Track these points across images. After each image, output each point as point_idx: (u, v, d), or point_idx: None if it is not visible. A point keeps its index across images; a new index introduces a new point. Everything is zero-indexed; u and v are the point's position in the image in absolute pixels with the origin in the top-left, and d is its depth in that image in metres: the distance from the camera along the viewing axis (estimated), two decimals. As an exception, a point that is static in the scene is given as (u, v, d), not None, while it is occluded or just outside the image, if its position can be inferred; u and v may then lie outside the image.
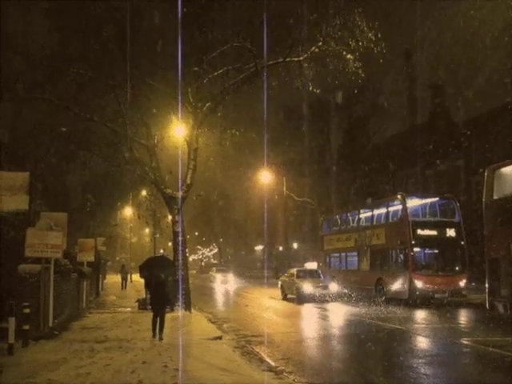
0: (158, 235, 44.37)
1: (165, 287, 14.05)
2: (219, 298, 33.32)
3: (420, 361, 11.17)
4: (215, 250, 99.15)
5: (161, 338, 13.00)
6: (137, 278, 35.53)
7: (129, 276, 41.56)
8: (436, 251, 24.60)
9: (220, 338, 13.40)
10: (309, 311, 22.29)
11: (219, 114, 20.63)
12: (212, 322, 17.20)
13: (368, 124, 49.12)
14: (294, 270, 28.93)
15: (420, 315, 20.34)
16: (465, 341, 13.33)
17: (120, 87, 18.93)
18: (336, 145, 51.42)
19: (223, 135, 20.77)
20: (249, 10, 17.83)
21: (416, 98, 46.84)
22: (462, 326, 17.73)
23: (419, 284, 22.60)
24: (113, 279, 45.79)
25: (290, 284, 27.48)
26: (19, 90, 18.40)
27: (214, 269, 54.97)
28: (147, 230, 60.97)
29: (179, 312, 18.27)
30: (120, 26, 17.25)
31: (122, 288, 36.79)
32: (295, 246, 64.44)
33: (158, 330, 13.19)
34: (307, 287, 25.76)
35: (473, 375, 9.98)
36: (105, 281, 41.35)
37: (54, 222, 13.92)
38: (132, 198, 34.25)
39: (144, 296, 20.34)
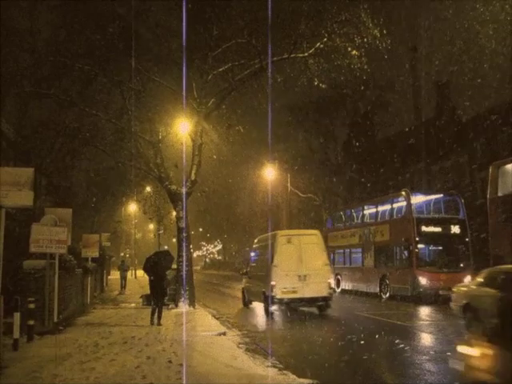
0: (161, 231, 44.45)
1: (163, 279, 14.71)
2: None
3: (424, 357, 11.16)
4: (219, 246, 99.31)
5: (159, 324, 14.32)
6: (141, 274, 35.40)
7: (128, 273, 36.16)
8: (440, 248, 24.54)
9: (224, 333, 13.42)
10: None
11: (224, 111, 20.60)
12: (216, 318, 17.22)
13: (373, 120, 49.01)
14: None
15: (425, 312, 20.34)
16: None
17: (125, 83, 18.95)
18: (341, 141, 51.35)
19: (228, 131, 20.75)
20: (253, 5, 17.79)
21: (421, 94, 46.62)
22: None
23: (423, 281, 22.56)
24: (117, 275, 45.78)
25: None
26: (25, 85, 18.44)
27: None
28: (151, 226, 61.05)
29: (183, 308, 18.30)
30: (125, 22, 17.28)
31: (122, 287, 31.46)
32: (299, 242, 64.30)
33: (156, 317, 14.48)
34: None
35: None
36: (109, 276, 41.39)
37: (58, 218, 13.99)
38: (136, 194, 34.25)
39: (148, 292, 20.41)
